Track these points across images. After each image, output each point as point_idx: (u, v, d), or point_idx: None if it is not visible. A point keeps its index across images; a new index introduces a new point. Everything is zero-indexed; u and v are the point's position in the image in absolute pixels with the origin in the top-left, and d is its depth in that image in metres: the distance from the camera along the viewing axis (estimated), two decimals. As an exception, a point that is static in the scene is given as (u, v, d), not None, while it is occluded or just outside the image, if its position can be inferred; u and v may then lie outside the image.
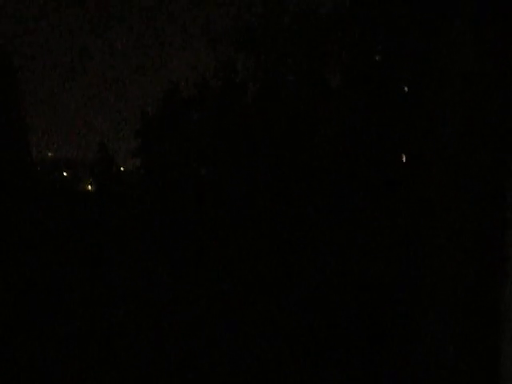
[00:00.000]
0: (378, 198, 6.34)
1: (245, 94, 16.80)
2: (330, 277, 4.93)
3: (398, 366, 3.21)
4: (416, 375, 2.19)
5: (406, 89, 7.81)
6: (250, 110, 15.52)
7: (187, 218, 15.47)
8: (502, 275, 2.01)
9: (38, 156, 22.14)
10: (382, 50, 8.26)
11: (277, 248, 6.42)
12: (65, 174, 21.60)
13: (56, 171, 22.07)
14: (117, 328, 4.46)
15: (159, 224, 15.11)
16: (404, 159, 6.36)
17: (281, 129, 11.44)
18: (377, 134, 7.33)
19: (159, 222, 15.48)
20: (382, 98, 7.80)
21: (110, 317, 5.46)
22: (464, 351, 1.94)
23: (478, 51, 2.23)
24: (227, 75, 17.43)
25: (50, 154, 25.07)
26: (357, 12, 9.00)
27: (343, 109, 9.69)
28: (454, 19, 2.30)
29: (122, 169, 21.35)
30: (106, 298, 6.04)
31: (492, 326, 1.87)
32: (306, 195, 8.77)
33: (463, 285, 1.96)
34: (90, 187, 20.62)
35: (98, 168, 22.43)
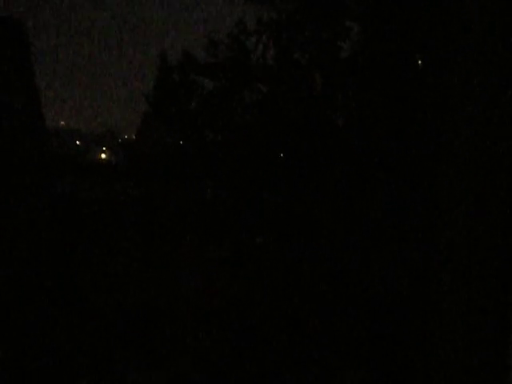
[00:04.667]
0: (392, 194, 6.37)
1: (257, 64, 16.79)
2: (340, 276, 4.93)
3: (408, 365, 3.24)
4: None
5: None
6: (263, 81, 15.56)
7: (198, 188, 15.74)
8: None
9: (51, 125, 22.48)
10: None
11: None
12: (78, 142, 22.00)
13: (69, 140, 22.44)
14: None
15: (168, 195, 15.40)
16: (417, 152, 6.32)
17: (295, 103, 11.51)
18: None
19: (168, 192, 15.76)
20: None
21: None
22: (474, 351, 1.97)
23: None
24: (241, 44, 17.39)
25: (62, 123, 25.39)
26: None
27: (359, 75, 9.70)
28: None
29: (133, 136, 21.65)
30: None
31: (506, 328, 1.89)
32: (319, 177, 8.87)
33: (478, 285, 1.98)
34: (103, 156, 21.01)
35: (108, 137, 22.71)
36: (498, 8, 2.06)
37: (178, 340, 3.80)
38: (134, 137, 21.40)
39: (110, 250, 6.75)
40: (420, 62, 8.23)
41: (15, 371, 3.28)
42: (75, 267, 5.76)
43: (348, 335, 3.78)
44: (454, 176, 2.25)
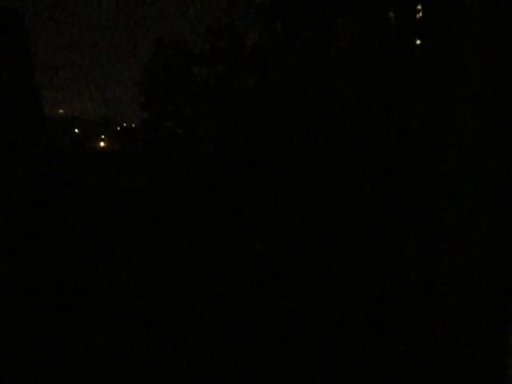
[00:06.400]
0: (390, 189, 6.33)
1: (251, 51, 16.72)
2: (341, 276, 4.90)
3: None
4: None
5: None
6: (256, 68, 15.49)
7: (194, 173, 15.75)
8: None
9: (50, 113, 22.38)
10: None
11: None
12: (76, 130, 21.94)
13: (68, 128, 22.38)
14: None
15: (168, 181, 15.42)
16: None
17: (287, 92, 11.45)
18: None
19: (168, 178, 15.80)
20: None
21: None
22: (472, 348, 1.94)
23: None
24: (233, 33, 17.31)
25: (60, 111, 25.29)
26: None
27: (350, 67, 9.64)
28: None
29: (133, 125, 21.63)
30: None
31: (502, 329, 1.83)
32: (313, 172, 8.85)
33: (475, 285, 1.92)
34: (102, 144, 20.98)
35: (107, 125, 22.64)
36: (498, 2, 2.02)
37: (178, 340, 3.82)
38: (132, 125, 21.37)
39: (112, 247, 6.75)
40: (418, 53, 8.19)
41: (13, 370, 3.29)
42: (75, 263, 5.78)
43: (348, 336, 3.83)
44: (453, 172, 2.23)
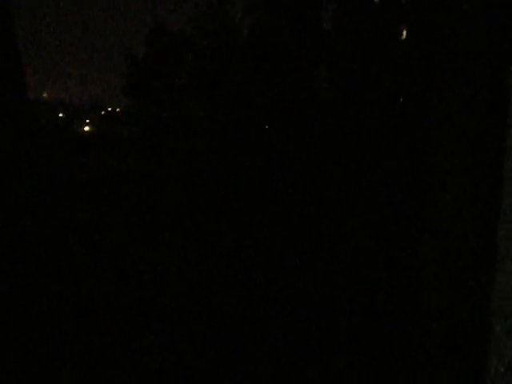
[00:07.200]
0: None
1: (238, 34, 16.75)
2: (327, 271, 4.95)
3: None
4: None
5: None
6: (243, 52, 15.51)
7: (179, 157, 15.79)
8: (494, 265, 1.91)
9: (33, 96, 22.15)
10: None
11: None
12: (60, 114, 21.76)
13: (51, 112, 22.18)
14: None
15: (154, 164, 15.47)
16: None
17: (275, 73, 11.52)
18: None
19: (154, 162, 15.85)
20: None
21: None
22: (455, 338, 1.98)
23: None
24: (221, 16, 17.30)
25: (44, 95, 25.05)
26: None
27: (338, 55, 9.77)
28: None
29: (117, 110, 21.50)
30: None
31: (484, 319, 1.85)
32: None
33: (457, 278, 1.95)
34: (86, 128, 20.87)
35: (92, 109, 22.51)
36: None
37: (174, 335, 3.95)
38: (117, 109, 21.29)
39: (100, 232, 6.76)
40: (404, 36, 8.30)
41: (12, 370, 3.40)
42: (66, 251, 5.82)
43: (344, 334, 3.98)
44: (443, 169, 2.26)
